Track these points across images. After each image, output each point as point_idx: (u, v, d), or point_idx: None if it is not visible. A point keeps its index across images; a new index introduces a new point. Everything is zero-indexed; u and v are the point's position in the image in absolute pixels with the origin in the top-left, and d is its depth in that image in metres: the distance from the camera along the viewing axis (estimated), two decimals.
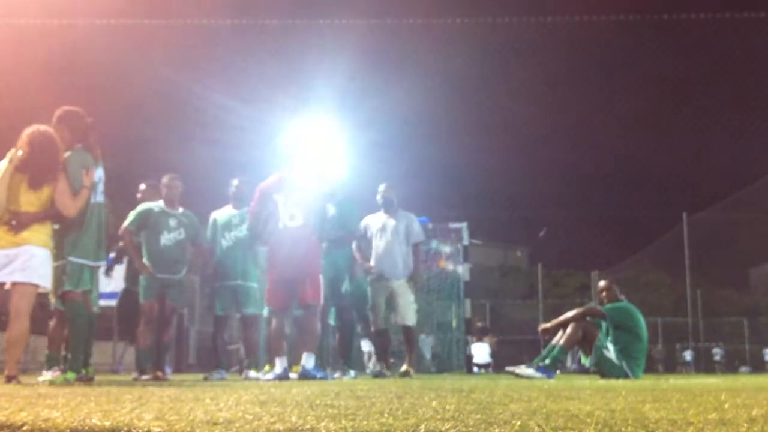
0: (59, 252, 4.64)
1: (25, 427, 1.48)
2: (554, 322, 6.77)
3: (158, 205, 6.53)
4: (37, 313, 6.30)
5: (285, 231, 5.75)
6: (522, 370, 6.42)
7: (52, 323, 5.91)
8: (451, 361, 17.11)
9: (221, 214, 7.02)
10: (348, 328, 7.19)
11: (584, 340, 6.55)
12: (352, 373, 7.03)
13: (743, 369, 24.23)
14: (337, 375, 6.68)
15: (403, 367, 7.15)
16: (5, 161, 4.50)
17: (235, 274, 6.79)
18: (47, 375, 5.48)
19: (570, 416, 1.77)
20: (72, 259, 4.65)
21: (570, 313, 6.70)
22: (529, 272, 31.13)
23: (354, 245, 7.24)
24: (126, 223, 6.43)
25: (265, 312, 6.78)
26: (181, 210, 6.59)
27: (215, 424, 1.53)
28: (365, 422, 1.57)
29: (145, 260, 6.33)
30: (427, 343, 18.10)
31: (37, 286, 4.43)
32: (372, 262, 7.20)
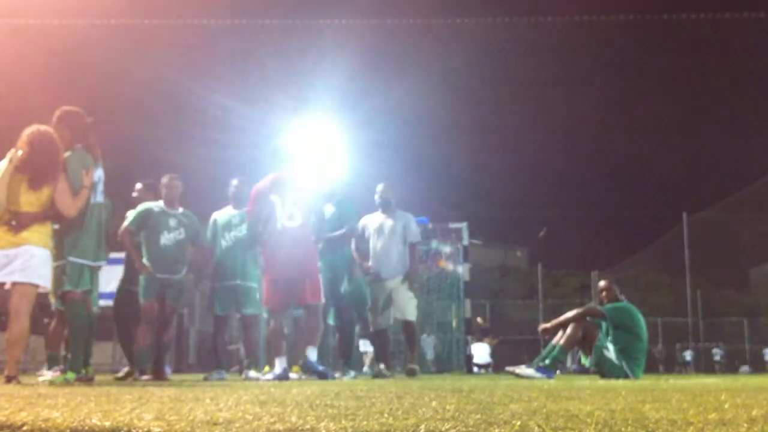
0: (59, 252, 4.64)
1: (25, 427, 1.48)
2: (554, 322, 6.77)
3: (158, 205, 6.52)
4: (37, 314, 6.32)
5: (284, 231, 5.74)
6: (522, 370, 6.42)
7: (51, 324, 5.93)
8: (451, 361, 17.12)
9: (222, 215, 7.03)
10: (348, 328, 7.19)
11: (584, 340, 6.55)
12: (352, 373, 7.03)
13: (743, 369, 24.23)
14: (337, 375, 6.67)
15: (409, 365, 7.14)
16: (5, 161, 4.50)
17: (234, 274, 6.79)
18: (47, 374, 5.49)
19: (570, 416, 1.77)
20: (72, 259, 4.65)
21: (570, 314, 6.70)
22: (529, 272, 31.13)
23: (353, 245, 7.25)
24: (126, 223, 6.42)
25: (264, 312, 6.80)
26: (181, 210, 6.59)
27: (215, 424, 1.53)
28: (365, 422, 1.57)
29: (144, 260, 6.33)
30: (428, 343, 18.11)
31: (37, 286, 4.42)
32: (369, 263, 7.21)
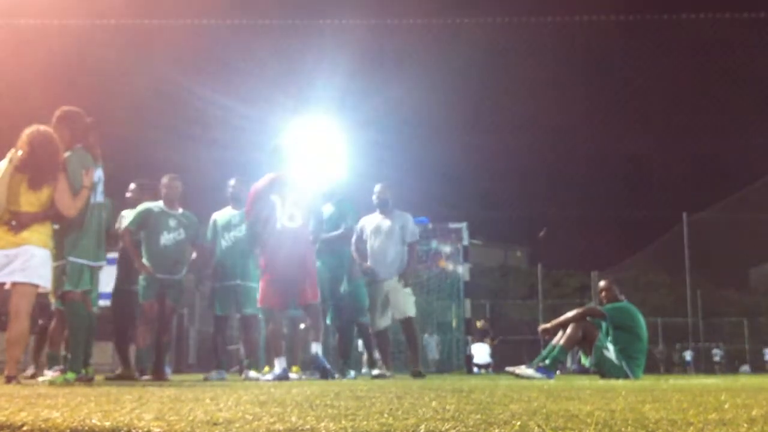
0: (59, 252, 4.64)
1: (25, 427, 1.48)
2: (554, 322, 6.76)
3: (158, 205, 6.52)
4: (37, 314, 6.32)
5: (284, 231, 5.74)
6: (522, 370, 6.42)
7: (47, 324, 5.93)
8: (451, 361, 17.12)
9: (221, 215, 7.03)
10: (347, 328, 7.19)
11: (584, 341, 6.55)
12: (352, 373, 7.03)
13: (744, 368, 24.23)
14: (336, 375, 6.67)
15: (414, 369, 7.11)
16: (5, 161, 4.49)
17: (234, 274, 6.79)
18: (47, 374, 5.49)
19: (570, 416, 1.77)
20: (72, 259, 4.65)
21: (570, 314, 6.70)
22: (529, 272, 31.13)
23: (353, 246, 7.25)
24: (125, 223, 6.42)
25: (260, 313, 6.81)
26: (180, 210, 6.59)
27: (215, 424, 1.53)
28: (365, 422, 1.57)
29: (144, 260, 6.33)
30: (431, 343, 18.13)
31: (36, 286, 4.42)
32: (368, 263, 7.21)
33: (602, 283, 7.16)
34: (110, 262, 6.43)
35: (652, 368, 18.65)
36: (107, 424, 1.52)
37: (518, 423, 1.57)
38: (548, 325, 6.83)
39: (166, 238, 6.40)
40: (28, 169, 4.47)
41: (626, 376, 6.36)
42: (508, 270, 37.31)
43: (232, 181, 7.10)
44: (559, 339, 6.52)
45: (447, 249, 14.24)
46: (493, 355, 17.30)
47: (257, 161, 6.42)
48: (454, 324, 16.58)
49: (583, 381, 5.68)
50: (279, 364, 5.62)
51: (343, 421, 1.59)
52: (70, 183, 4.57)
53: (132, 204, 6.74)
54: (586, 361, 6.76)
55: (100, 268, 4.99)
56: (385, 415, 1.75)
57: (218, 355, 7.03)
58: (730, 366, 25.28)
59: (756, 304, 28.44)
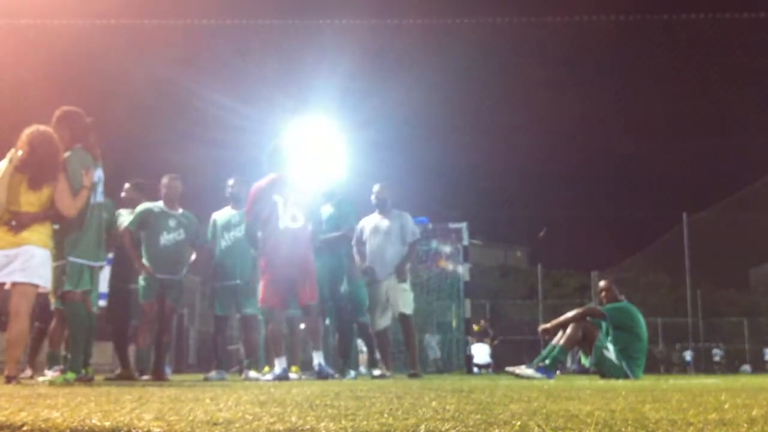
0: (59, 252, 4.64)
1: (25, 427, 1.48)
2: (554, 322, 6.76)
3: (158, 205, 6.53)
4: (37, 314, 6.32)
5: (287, 232, 5.76)
6: (522, 370, 6.42)
7: (44, 326, 5.93)
8: (451, 361, 17.11)
9: (221, 215, 7.03)
10: (347, 328, 7.19)
11: (584, 341, 6.55)
12: (352, 373, 7.03)
13: (744, 368, 24.22)
14: (336, 375, 6.67)
15: (411, 371, 7.11)
16: (5, 161, 4.49)
17: (234, 274, 6.79)
18: (48, 374, 5.49)
19: (570, 416, 1.77)
20: (72, 259, 4.65)
21: (570, 314, 6.70)
22: (529, 272, 31.13)
23: (354, 246, 7.25)
24: (125, 223, 6.42)
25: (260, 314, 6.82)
26: (180, 211, 6.60)
27: (215, 424, 1.53)
28: (365, 422, 1.57)
29: (144, 260, 6.33)
30: (431, 343, 18.12)
31: (36, 286, 4.42)
32: (367, 263, 7.21)
33: (602, 283, 7.16)
34: (110, 262, 6.45)
35: (652, 368, 18.65)
36: (107, 424, 1.52)
37: (518, 423, 1.57)
38: (548, 325, 6.83)
39: (165, 238, 6.40)
40: (28, 169, 4.47)
41: (626, 376, 6.36)
42: (508, 270, 37.31)
43: (231, 181, 7.10)
44: (559, 339, 6.52)
45: (447, 249, 14.24)
46: (493, 355, 17.30)
47: (257, 161, 6.41)
48: (454, 324, 16.57)
49: (583, 381, 5.68)
50: (279, 364, 5.63)
51: (343, 421, 1.59)
52: (70, 183, 4.57)
53: (127, 203, 6.73)
54: (586, 361, 6.76)
55: (100, 268, 4.99)
56: (385, 415, 1.75)
57: (218, 355, 7.03)
58: (730, 366, 25.27)
59: (756, 304, 28.44)
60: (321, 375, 5.77)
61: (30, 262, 4.36)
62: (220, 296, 6.86)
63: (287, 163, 6.10)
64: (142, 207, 6.49)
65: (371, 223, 7.33)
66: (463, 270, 12.29)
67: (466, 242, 11.92)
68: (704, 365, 23.30)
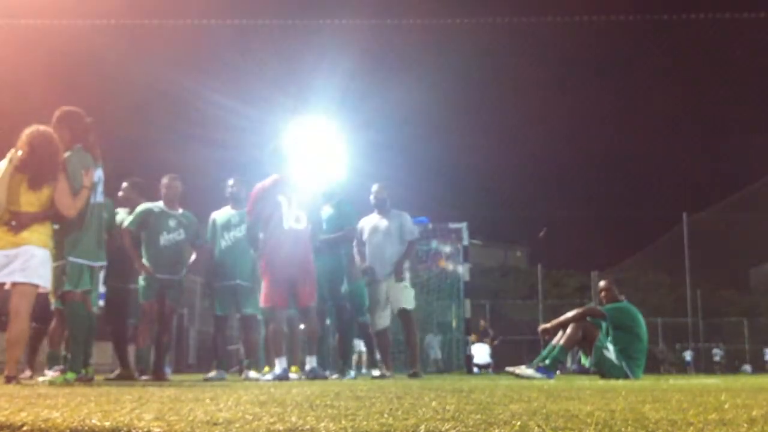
0: (59, 252, 4.64)
1: (25, 428, 1.48)
2: (554, 322, 6.76)
3: (158, 205, 6.53)
4: (37, 314, 6.32)
5: (290, 233, 5.78)
6: (522, 370, 6.42)
7: (42, 327, 5.92)
8: (451, 361, 17.13)
9: (220, 215, 7.02)
10: (347, 328, 7.19)
11: (584, 341, 6.55)
12: (352, 373, 7.03)
13: (745, 368, 24.21)
14: (336, 375, 6.68)
15: (412, 370, 7.10)
16: (5, 161, 4.49)
17: (234, 274, 6.78)
18: (48, 374, 5.49)
19: (570, 417, 1.77)
20: (72, 259, 4.65)
21: (570, 314, 6.70)
22: (529, 272, 31.14)
23: (354, 247, 7.25)
24: (125, 223, 6.42)
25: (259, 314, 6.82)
26: (180, 211, 6.59)
27: (215, 424, 1.53)
28: (365, 422, 1.57)
29: (144, 260, 6.33)
30: (433, 343, 18.13)
31: (36, 286, 4.42)
32: (366, 263, 7.22)
33: (602, 283, 7.15)
34: None
35: (652, 368, 18.64)
36: (107, 424, 1.52)
37: (518, 423, 1.57)
38: (548, 325, 6.83)
39: (165, 239, 6.40)
40: (28, 169, 4.46)
41: (626, 377, 6.36)
42: (508, 270, 37.32)
43: (231, 181, 7.09)
44: (559, 339, 6.52)
45: (447, 249, 14.24)
46: (493, 355, 17.30)
47: (257, 161, 6.42)
48: (454, 324, 16.58)
49: (583, 381, 5.68)
50: (279, 364, 5.63)
51: (343, 421, 1.59)
52: (70, 183, 4.57)
53: (124, 203, 6.73)
54: (586, 361, 6.76)
55: (100, 268, 4.99)
56: (385, 415, 1.75)
57: (218, 355, 7.03)
58: (730, 366, 25.27)
59: (756, 304, 28.45)
60: (315, 377, 5.74)
61: (30, 262, 4.35)
62: (220, 296, 6.86)
63: (289, 163, 6.11)
64: (142, 207, 6.49)
65: (370, 223, 7.34)
66: (463, 270, 12.30)
67: (466, 242, 11.93)
68: (704, 365, 23.30)
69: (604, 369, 6.51)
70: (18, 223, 4.37)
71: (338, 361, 7.35)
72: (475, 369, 14.05)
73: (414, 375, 6.95)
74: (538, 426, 1.53)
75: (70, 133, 4.74)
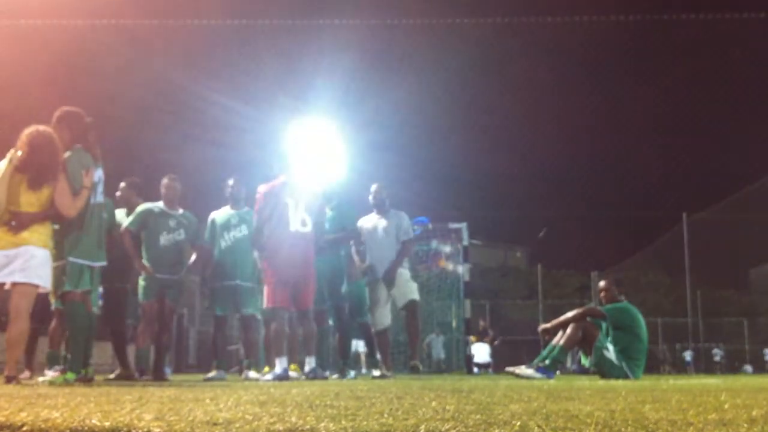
0: (59, 252, 4.64)
1: (25, 428, 1.48)
2: (554, 322, 6.76)
3: (158, 205, 6.53)
4: (37, 315, 6.32)
5: (296, 235, 5.81)
6: (522, 370, 6.42)
7: (40, 328, 5.91)
8: (451, 361, 17.13)
9: (220, 215, 7.01)
10: (347, 328, 7.19)
11: (584, 341, 6.55)
12: (352, 373, 7.03)
13: (746, 368, 24.22)
14: (336, 375, 6.68)
15: (412, 362, 7.13)
16: (5, 161, 4.49)
17: (234, 274, 6.78)
18: (48, 374, 5.49)
19: (570, 417, 1.77)
20: (72, 259, 4.64)
21: (570, 314, 6.69)
22: (529, 272, 31.16)
23: (353, 247, 7.25)
24: (126, 223, 6.42)
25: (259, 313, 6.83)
26: (180, 211, 6.59)
27: (215, 424, 1.53)
28: (365, 422, 1.57)
29: (144, 260, 6.33)
30: (438, 342, 18.13)
31: (36, 286, 4.42)
32: (366, 264, 7.22)
33: (602, 284, 7.15)
34: None
35: (652, 368, 18.65)
36: (107, 424, 1.52)
37: (518, 423, 1.57)
38: (548, 325, 6.83)
39: (165, 239, 6.40)
40: (27, 170, 4.46)
41: (626, 377, 6.36)
42: (508, 270, 37.32)
43: (230, 181, 7.09)
44: (559, 339, 6.52)
45: (447, 249, 14.23)
46: (493, 355, 17.30)
47: (257, 161, 6.44)
48: (454, 324, 16.58)
49: (583, 381, 5.68)
50: (280, 364, 5.63)
51: (343, 421, 1.59)
52: (70, 183, 4.57)
53: (122, 203, 6.73)
54: (586, 362, 6.76)
55: (100, 268, 4.99)
56: (385, 415, 1.75)
57: (218, 355, 7.02)
58: (730, 366, 25.28)
59: (756, 304, 28.47)
60: (315, 377, 5.77)
61: (30, 263, 4.35)
62: (220, 296, 6.85)
63: (295, 165, 6.15)
64: (142, 207, 6.49)
65: (369, 222, 7.35)
66: (463, 270, 12.30)
67: (466, 242, 11.93)
68: (704, 365, 23.31)
69: (604, 369, 6.51)
70: (18, 223, 4.37)
71: (338, 361, 7.35)
72: (475, 369, 14.05)
73: (414, 368, 6.97)
74: (538, 426, 1.53)
75: (70, 133, 4.74)
